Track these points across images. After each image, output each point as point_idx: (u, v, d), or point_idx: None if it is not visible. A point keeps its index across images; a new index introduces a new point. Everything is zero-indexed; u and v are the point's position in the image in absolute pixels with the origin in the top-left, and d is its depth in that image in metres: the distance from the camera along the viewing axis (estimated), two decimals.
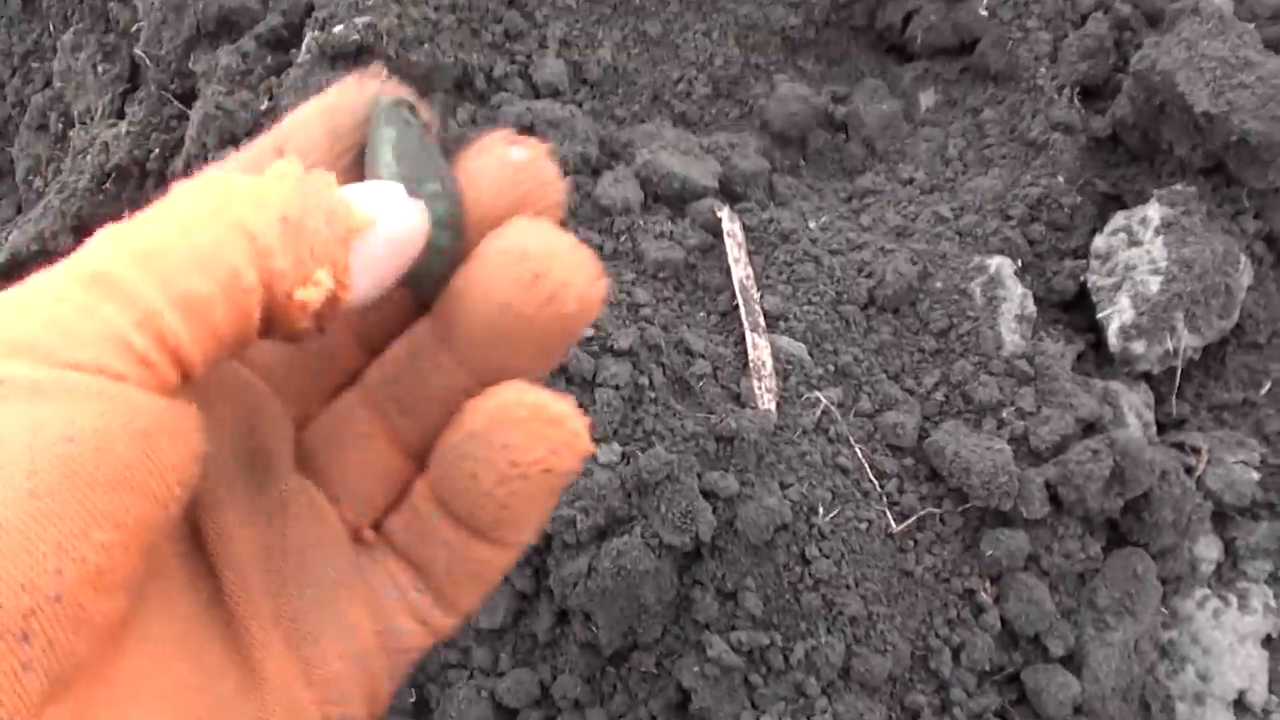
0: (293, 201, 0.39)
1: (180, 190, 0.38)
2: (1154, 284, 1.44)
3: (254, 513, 0.44)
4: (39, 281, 0.36)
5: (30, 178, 2.02)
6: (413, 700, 1.29)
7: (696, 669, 1.21)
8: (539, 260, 0.42)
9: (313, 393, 0.49)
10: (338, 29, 1.50)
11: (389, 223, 0.42)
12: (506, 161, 0.45)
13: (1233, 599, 1.35)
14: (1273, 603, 1.35)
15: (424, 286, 0.45)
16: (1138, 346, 1.44)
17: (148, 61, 1.74)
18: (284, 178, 0.39)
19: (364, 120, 0.45)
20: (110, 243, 0.36)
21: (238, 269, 0.37)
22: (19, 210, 2.06)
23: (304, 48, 1.51)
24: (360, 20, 1.50)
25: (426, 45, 1.52)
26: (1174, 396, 1.46)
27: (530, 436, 0.43)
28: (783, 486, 1.24)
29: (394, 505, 0.49)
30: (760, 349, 1.35)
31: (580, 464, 0.44)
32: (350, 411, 0.48)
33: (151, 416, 0.34)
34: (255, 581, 0.43)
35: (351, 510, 0.48)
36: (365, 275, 0.41)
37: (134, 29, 1.85)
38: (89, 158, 1.74)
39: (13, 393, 0.32)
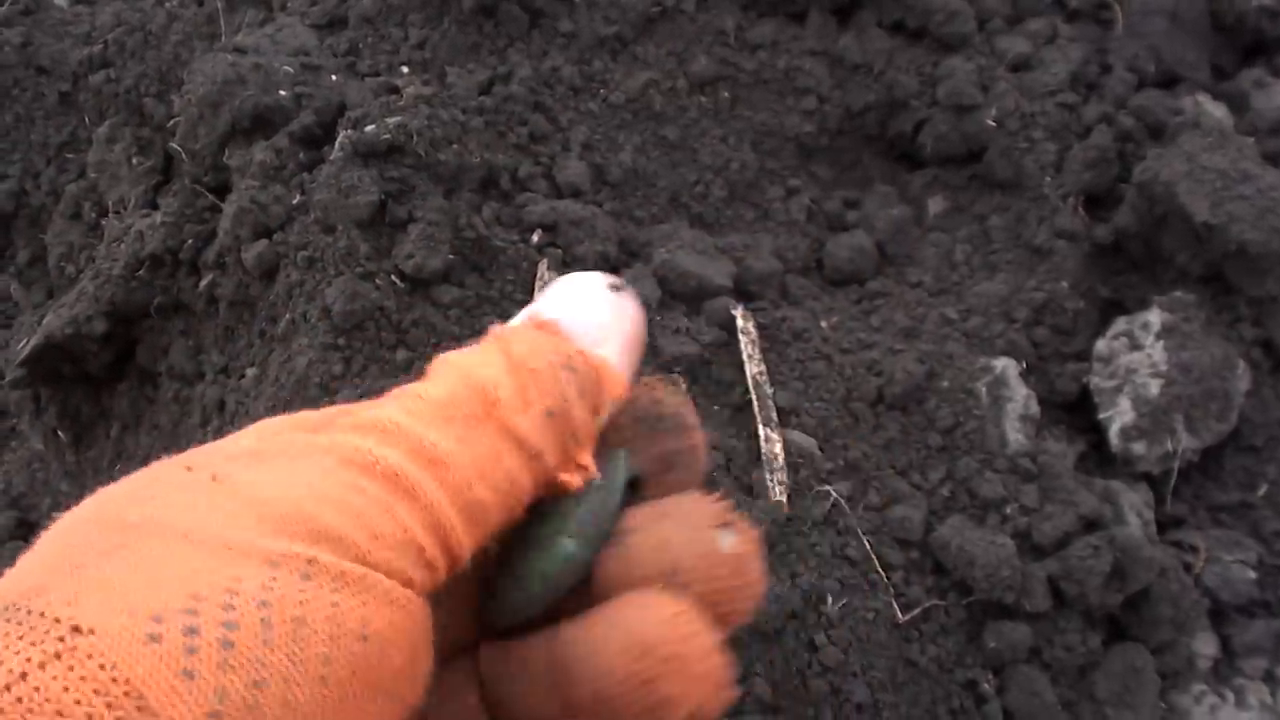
0: (554, 393, 0.39)
1: (441, 371, 0.40)
2: (1154, 387, 1.48)
3: None
4: (293, 445, 0.37)
5: (63, 264, 2.08)
6: None
7: None
8: (658, 663, 0.39)
9: None
10: (369, 128, 1.55)
11: (624, 368, 0.42)
12: (711, 545, 0.42)
13: (1229, 695, 1.37)
14: (1269, 699, 1.37)
15: (517, 603, 0.43)
16: (1138, 447, 1.48)
17: (183, 155, 1.79)
18: (540, 365, 0.40)
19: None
20: (394, 440, 0.37)
21: (515, 477, 0.38)
22: (50, 295, 2.11)
23: (336, 145, 1.56)
24: (391, 120, 1.55)
25: (455, 145, 1.57)
26: (1172, 496, 1.49)
27: None
28: (792, 576, 1.28)
29: None
30: (772, 443, 1.39)
31: None
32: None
33: (421, 628, 0.35)
34: None
35: None
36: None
37: (169, 124, 1.91)
38: (123, 246, 1.79)
39: (319, 576, 0.33)
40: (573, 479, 0.40)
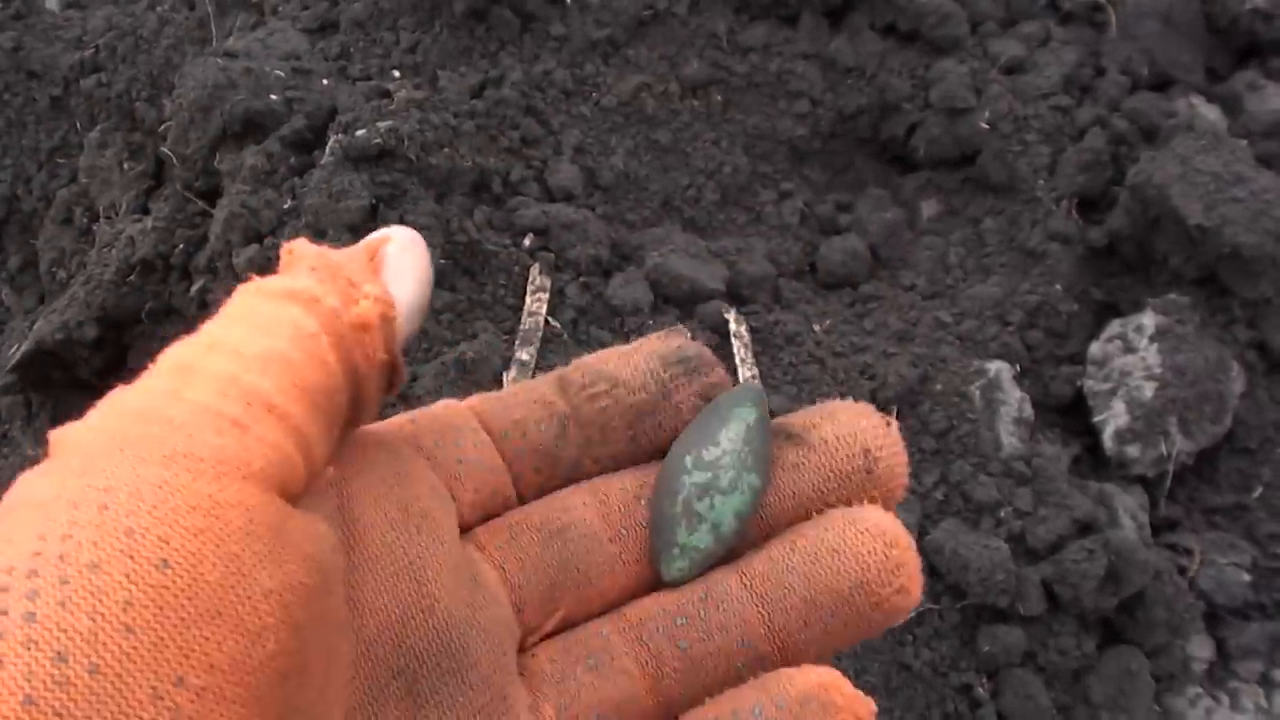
0: (311, 256, 0.40)
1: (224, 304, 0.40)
2: (1148, 390, 1.48)
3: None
4: (119, 390, 0.35)
5: (54, 269, 2.07)
6: None
7: None
8: (903, 551, 0.43)
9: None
10: (360, 132, 1.54)
11: (397, 234, 0.42)
12: (883, 423, 0.46)
13: (1224, 698, 1.37)
14: (1264, 702, 1.37)
15: (677, 561, 0.44)
16: (1132, 450, 1.47)
17: (174, 160, 1.78)
18: (296, 248, 0.40)
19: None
20: (178, 346, 0.36)
21: (299, 322, 0.37)
22: (41, 300, 2.10)
23: (327, 150, 1.56)
24: (382, 124, 1.55)
25: (446, 149, 1.57)
26: (1167, 499, 1.49)
27: None
28: None
29: None
30: None
31: None
32: (604, 639, 0.44)
33: (245, 536, 0.32)
34: None
35: None
36: (401, 282, 0.41)
37: (160, 128, 1.90)
38: (114, 251, 1.79)
39: (115, 502, 0.30)
40: (365, 308, 0.39)
